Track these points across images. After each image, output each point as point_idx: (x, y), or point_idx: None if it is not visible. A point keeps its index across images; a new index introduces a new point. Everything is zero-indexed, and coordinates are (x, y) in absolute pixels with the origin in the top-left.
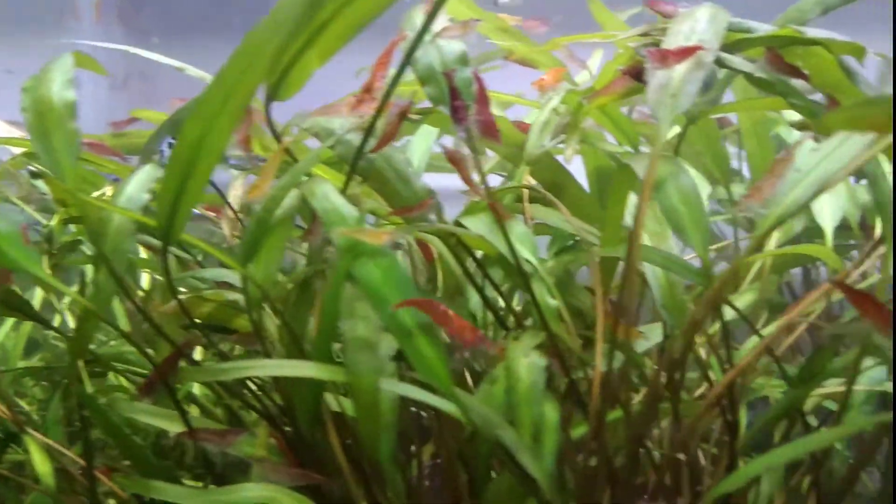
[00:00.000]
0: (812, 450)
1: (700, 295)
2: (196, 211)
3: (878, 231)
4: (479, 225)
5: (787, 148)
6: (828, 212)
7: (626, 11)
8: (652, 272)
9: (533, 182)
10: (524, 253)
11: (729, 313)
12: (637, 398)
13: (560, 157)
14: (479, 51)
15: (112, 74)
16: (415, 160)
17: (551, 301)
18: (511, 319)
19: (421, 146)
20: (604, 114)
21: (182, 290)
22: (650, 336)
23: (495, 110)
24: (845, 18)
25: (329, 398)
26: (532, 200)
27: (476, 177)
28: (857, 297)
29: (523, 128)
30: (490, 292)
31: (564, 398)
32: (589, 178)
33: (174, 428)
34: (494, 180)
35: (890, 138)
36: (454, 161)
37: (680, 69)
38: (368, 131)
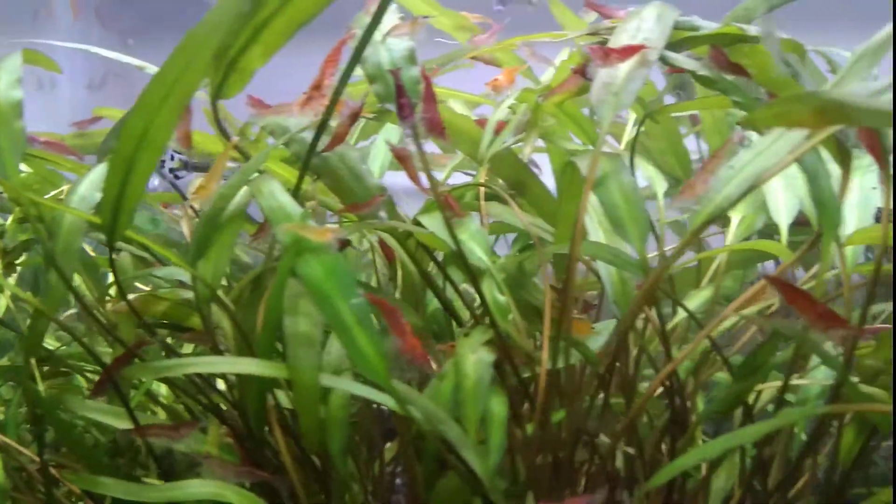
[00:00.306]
0: (739, 444)
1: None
2: None
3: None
4: (434, 223)
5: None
6: (783, 208)
7: (593, 15)
8: (605, 269)
9: (500, 181)
10: (476, 250)
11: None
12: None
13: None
14: (449, 49)
15: (89, 75)
16: (379, 159)
17: (500, 298)
18: (469, 316)
19: (384, 144)
20: (563, 112)
21: (147, 288)
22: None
23: (462, 109)
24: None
25: (284, 396)
26: (495, 199)
27: (423, 174)
28: (790, 292)
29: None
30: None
31: (516, 394)
32: (555, 177)
33: (125, 426)
34: (464, 179)
35: (823, 134)
36: (401, 158)
37: (623, 67)
38: (321, 129)
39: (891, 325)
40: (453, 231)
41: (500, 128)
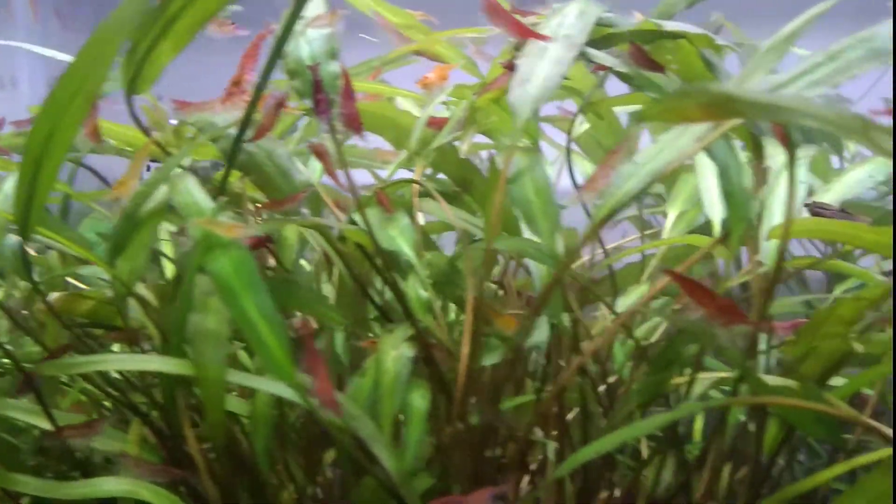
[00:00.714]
0: (637, 435)
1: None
2: None
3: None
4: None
5: (625, 139)
6: (717, 203)
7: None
8: (534, 266)
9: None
10: (403, 247)
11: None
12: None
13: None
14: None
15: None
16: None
17: (423, 294)
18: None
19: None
20: (503, 109)
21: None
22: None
23: (411, 107)
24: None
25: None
26: (445, 196)
27: (341, 170)
28: (688, 286)
29: (435, 123)
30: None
31: (442, 391)
32: None
33: (45, 425)
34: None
35: (724, 127)
36: (318, 154)
37: (542, 63)
38: (244, 125)
39: (806, 321)
40: (370, 227)
41: (440, 124)
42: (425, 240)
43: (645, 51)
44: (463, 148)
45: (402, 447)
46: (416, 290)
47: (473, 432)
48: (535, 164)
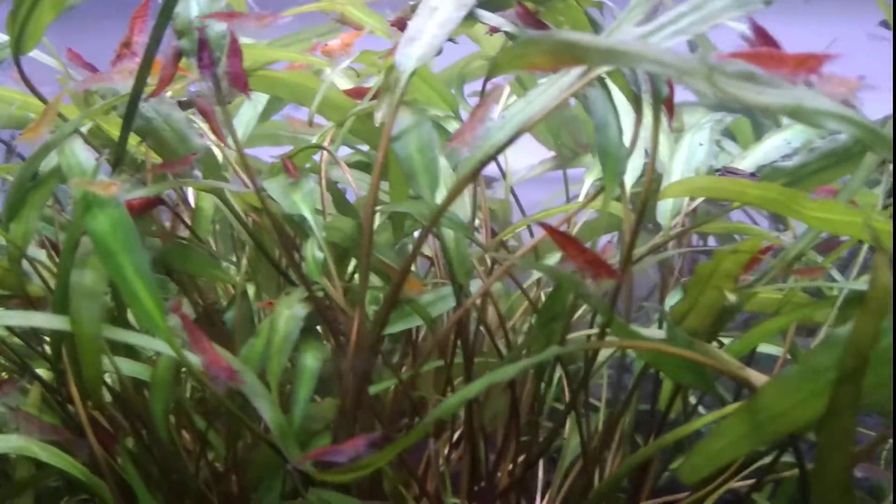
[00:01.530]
0: (498, 380)
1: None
2: None
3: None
4: (274, 186)
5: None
6: (629, 168)
7: None
8: (446, 233)
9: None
10: (304, 210)
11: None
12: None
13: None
14: None
15: None
16: (240, 129)
17: (318, 255)
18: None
19: (248, 113)
20: (421, 79)
21: None
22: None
23: (344, 80)
24: None
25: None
26: (358, 165)
27: (226, 130)
28: (560, 239)
29: (356, 93)
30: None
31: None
32: None
33: None
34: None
35: (587, 78)
36: (203, 112)
37: (430, 23)
38: (139, 86)
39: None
40: (260, 191)
41: (361, 94)
42: (342, 205)
43: (530, 11)
44: (377, 116)
45: (292, 404)
46: (313, 252)
47: (377, 398)
48: (422, 123)
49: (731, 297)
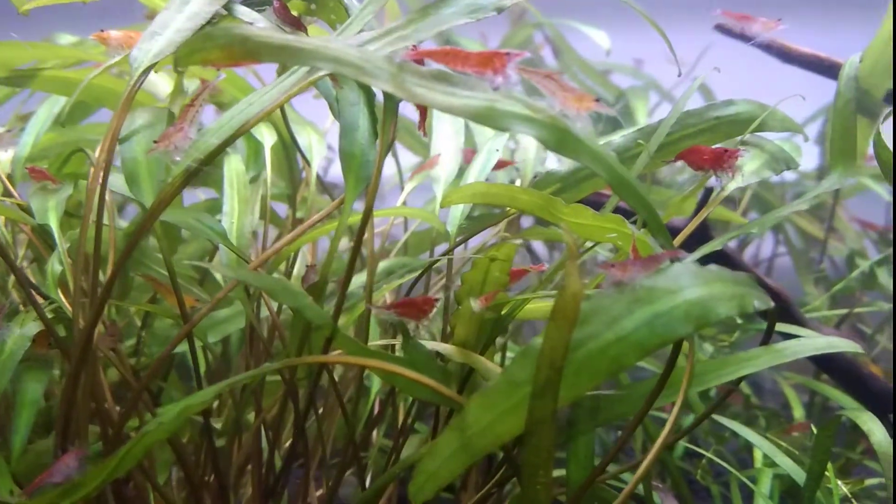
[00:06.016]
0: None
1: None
2: None
3: None
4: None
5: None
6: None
7: None
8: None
9: None
10: (52, 221)
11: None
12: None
13: None
14: None
15: None
16: (32, 134)
17: (58, 267)
18: None
19: (43, 114)
20: (229, 81)
21: None
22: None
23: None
24: None
25: None
26: None
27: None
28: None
29: None
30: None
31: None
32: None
33: None
34: None
35: (312, 80)
36: None
37: (178, 17)
38: None
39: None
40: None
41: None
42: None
43: (287, 8)
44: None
45: (12, 432)
46: (53, 264)
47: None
48: (156, 124)
49: (476, 306)
